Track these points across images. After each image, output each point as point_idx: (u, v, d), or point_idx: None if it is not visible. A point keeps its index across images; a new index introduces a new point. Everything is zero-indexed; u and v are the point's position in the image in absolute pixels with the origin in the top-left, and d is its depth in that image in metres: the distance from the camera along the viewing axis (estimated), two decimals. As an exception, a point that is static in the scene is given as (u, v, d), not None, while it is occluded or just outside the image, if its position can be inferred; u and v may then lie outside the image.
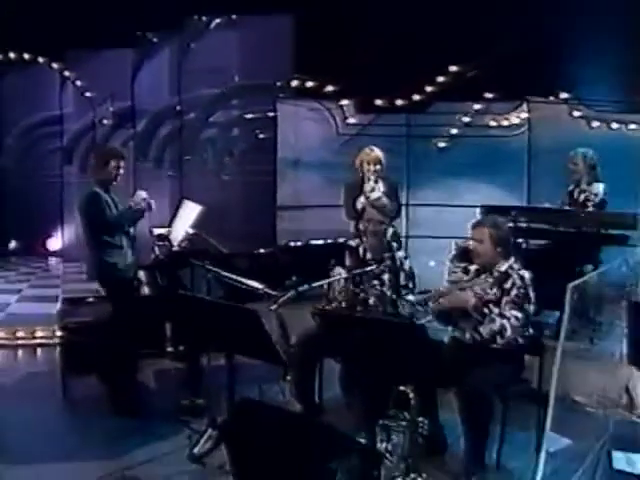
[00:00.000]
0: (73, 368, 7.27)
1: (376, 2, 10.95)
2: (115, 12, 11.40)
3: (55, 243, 14.16)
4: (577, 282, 5.39)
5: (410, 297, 6.12)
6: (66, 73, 13.16)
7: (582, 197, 8.35)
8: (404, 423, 4.99)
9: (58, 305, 9.55)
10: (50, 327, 8.86)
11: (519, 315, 5.67)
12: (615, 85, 10.43)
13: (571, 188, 8.55)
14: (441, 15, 10.72)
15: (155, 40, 12.45)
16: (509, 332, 5.65)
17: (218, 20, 12.08)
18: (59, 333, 8.50)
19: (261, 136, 11.87)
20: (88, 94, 13.02)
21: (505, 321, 5.66)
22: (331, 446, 4.88)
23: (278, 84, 11.65)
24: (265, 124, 11.83)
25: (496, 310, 5.73)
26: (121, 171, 7.10)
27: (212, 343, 6.06)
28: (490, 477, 5.53)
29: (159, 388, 7.37)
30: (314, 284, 6.21)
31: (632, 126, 10.63)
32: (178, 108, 12.39)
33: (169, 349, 7.58)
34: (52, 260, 13.85)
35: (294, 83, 11.62)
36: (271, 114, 11.70)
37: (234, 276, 6.58)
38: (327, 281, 6.36)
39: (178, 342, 7.48)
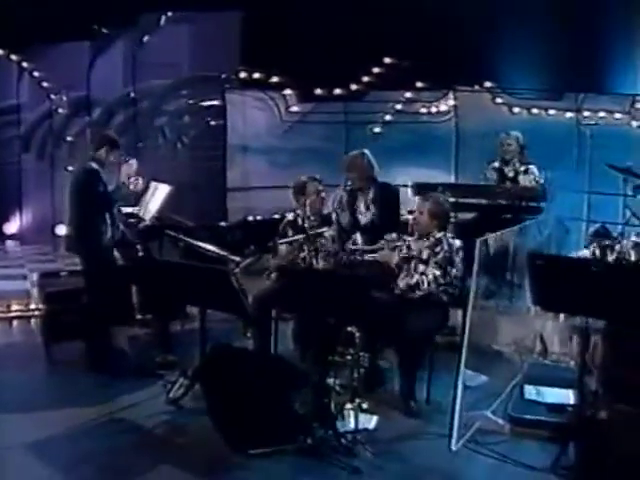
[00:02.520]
0: (54, 333, 8.02)
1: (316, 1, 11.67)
2: (72, 7, 11.85)
3: (12, 227, 14.63)
4: (484, 237, 6.45)
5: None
6: (24, 64, 13.52)
7: (522, 178, 9.06)
8: (349, 357, 6.01)
9: (29, 282, 10.40)
10: (23, 301, 9.63)
11: (437, 273, 6.71)
12: (535, 74, 11.34)
13: (498, 165, 9.22)
14: (375, 11, 11.58)
15: (110, 34, 12.95)
16: (425, 286, 6.71)
17: (170, 15, 12.71)
18: (33, 306, 9.40)
19: (212, 123, 12.56)
20: (45, 84, 13.46)
21: (423, 277, 6.72)
22: (290, 380, 5.89)
23: (226, 76, 12.37)
24: (215, 112, 12.52)
25: (421, 268, 6.78)
26: (113, 159, 7.79)
27: (190, 300, 6.96)
28: (422, 409, 6.58)
29: (134, 349, 8.09)
30: (281, 241, 7.27)
31: (551, 112, 11.40)
32: (132, 95, 12.99)
33: (138, 317, 8.48)
34: (10, 243, 14.25)
35: (241, 75, 12.28)
36: (220, 103, 12.41)
37: (203, 244, 7.53)
38: (291, 239, 7.29)
39: (146, 310, 8.38)
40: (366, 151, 8.22)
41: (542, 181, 9.07)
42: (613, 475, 5.19)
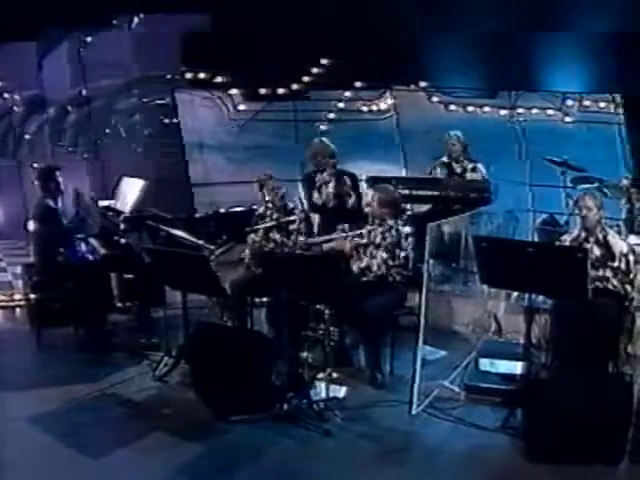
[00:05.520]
0: (43, 319, 8.46)
1: (260, 4, 11.91)
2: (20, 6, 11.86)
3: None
4: (435, 223, 7.18)
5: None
6: (-24, 63, 13.40)
7: (469, 175, 9.73)
8: (320, 332, 6.72)
9: (10, 274, 10.93)
10: (7, 292, 10.16)
11: (384, 256, 7.42)
12: (470, 74, 11.87)
13: (447, 160, 9.86)
14: (316, 14, 11.93)
15: (58, 34, 12.85)
16: (374, 268, 7.43)
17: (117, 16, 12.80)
18: (17, 296, 9.88)
19: (166, 121, 12.85)
20: None
21: (373, 260, 7.43)
22: (268, 354, 6.54)
23: (172, 76, 12.72)
24: (167, 111, 12.82)
25: (372, 253, 7.48)
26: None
27: (173, 283, 7.47)
28: (386, 380, 7.29)
29: (119, 333, 8.56)
30: (256, 227, 7.98)
31: (486, 109, 11.99)
32: (84, 93, 13.13)
33: (118, 305, 8.92)
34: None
35: (188, 75, 12.59)
36: (170, 102, 12.72)
37: (181, 233, 8.16)
38: (264, 226, 7.99)
39: (126, 299, 8.86)
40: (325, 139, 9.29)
41: (487, 177, 9.74)
42: (552, 432, 5.91)
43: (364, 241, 7.60)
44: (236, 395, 6.53)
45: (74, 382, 7.33)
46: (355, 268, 7.55)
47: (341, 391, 6.92)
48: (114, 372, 7.59)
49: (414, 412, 6.65)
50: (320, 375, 6.81)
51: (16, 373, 7.70)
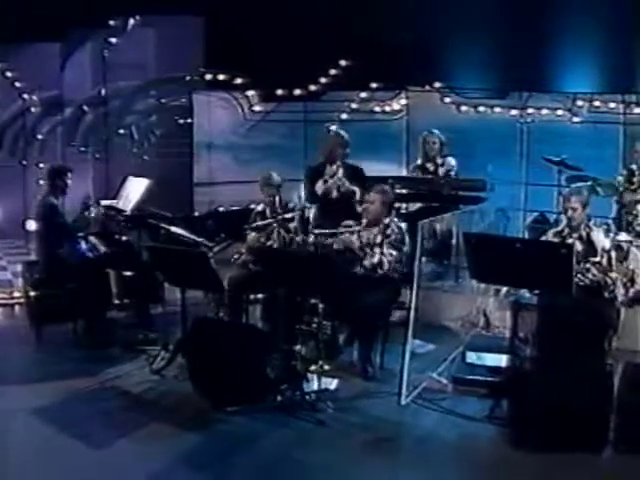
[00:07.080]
0: (43, 316, 8.65)
1: (275, 7, 12.26)
2: (43, 8, 12.10)
3: (-16, 222, 14.95)
4: (426, 220, 7.35)
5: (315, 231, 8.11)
6: (-3, 65, 13.57)
7: (441, 170, 9.97)
8: (314, 325, 6.93)
9: (10, 272, 11.12)
10: (7, 290, 10.34)
11: (394, 253, 7.61)
12: (481, 75, 12.11)
13: (421, 162, 10.17)
14: (331, 16, 12.29)
15: (80, 35, 13.08)
16: (386, 265, 7.60)
17: (138, 18, 13.16)
18: (17, 294, 10.05)
19: (180, 122, 13.04)
20: (17, 84, 13.90)
21: (383, 257, 7.60)
22: (262, 347, 6.75)
23: (191, 77, 12.99)
24: (183, 112, 12.98)
25: (378, 250, 7.64)
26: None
27: (173, 280, 7.70)
28: (376, 373, 7.51)
29: (117, 329, 8.73)
30: (255, 224, 8.22)
31: (496, 109, 12.03)
32: (103, 93, 13.38)
33: (116, 302, 9.15)
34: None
35: (207, 76, 12.75)
36: (187, 103, 12.85)
37: (181, 231, 8.38)
38: (265, 222, 8.21)
39: (123, 296, 9.11)
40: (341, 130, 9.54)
41: (456, 169, 9.98)
42: (536, 421, 6.12)
43: (368, 238, 7.78)
44: (232, 387, 6.74)
45: (73, 376, 7.56)
46: (368, 265, 7.69)
47: (333, 383, 7.14)
48: (113, 366, 7.82)
49: (403, 403, 6.86)
50: (313, 368, 7.01)
51: (17, 368, 7.96)
